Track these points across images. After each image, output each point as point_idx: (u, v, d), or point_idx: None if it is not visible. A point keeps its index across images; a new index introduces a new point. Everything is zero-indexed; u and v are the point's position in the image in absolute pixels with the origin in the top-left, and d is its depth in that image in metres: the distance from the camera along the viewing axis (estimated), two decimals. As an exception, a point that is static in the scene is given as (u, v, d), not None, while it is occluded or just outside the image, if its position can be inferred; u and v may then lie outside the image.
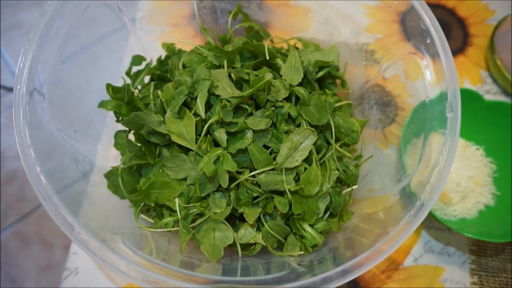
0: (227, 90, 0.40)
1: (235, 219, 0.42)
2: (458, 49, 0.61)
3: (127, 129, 0.44)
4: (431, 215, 0.49)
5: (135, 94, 0.45)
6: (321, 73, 0.47)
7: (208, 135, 0.39)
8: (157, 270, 0.30)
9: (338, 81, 0.50)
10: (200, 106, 0.38)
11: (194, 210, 0.39)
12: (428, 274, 0.47)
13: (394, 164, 0.46)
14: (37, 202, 1.42)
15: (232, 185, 0.39)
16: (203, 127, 0.39)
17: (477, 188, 0.48)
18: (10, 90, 1.53)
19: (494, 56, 0.57)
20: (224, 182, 0.38)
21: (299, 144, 0.40)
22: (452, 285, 0.47)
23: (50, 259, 1.32)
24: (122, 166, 0.41)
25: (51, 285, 1.19)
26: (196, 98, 0.39)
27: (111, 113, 0.46)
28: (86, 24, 0.44)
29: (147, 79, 0.48)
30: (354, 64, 0.51)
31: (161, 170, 0.40)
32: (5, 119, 1.51)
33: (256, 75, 0.40)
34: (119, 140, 0.43)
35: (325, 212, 0.41)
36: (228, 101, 0.39)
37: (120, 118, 0.43)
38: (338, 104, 0.46)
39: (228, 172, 0.38)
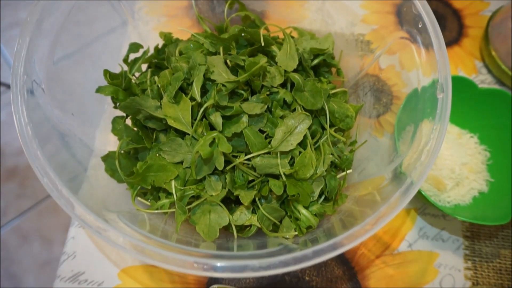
0: (222, 75, 0.40)
1: (230, 203, 0.42)
2: (453, 40, 0.62)
3: (124, 114, 0.44)
4: (426, 201, 0.49)
5: (133, 80, 0.46)
6: (316, 61, 0.48)
7: (204, 119, 0.40)
8: (154, 244, 0.31)
9: (333, 70, 0.51)
10: (196, 90, 0.39)
11: (190, 192, 0.39)
12: (423, 259, 0.47)
13: (389, 150, 0.46)
14: (36, 198, 1.42)
15: (228, 168, 0.40)
16: (199, 111, 0.39)
17: (471, 175, 0.49)
18: (10, 87, 1.54)
19: (489, 46, 0.57)
20: (220, 164, 0.38)
21: (294, 128, 0.40)
22: (446, 270, 0.47)
23: (50, 255, 1.33)
24: (119, 150, 0.41)
25: (51, 280, 1.20)
26: (192, 83, 0.40)
27: (109, 100, 0.46)
28: (84, 15, 0.45)
29: (144, 67, 0.49)
30: (349, 54, 0.52)
31: (157, 154, 0.41)
32: (5, 116, 1.52)
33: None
34: (117, 126, 0.44)
35: (320, 196, 0.42)
36: (223, 85, 0.39)
37: (118, 103, 0.44)
38: (333, 91, 0.47)
39: (224, 155, 0.38)
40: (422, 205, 0.50)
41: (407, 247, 0.48)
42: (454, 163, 0.49)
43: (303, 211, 0.40)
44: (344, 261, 0.47)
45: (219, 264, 0.28)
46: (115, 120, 0.45)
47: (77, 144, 0.41)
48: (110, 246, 0.47)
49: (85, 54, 0.48)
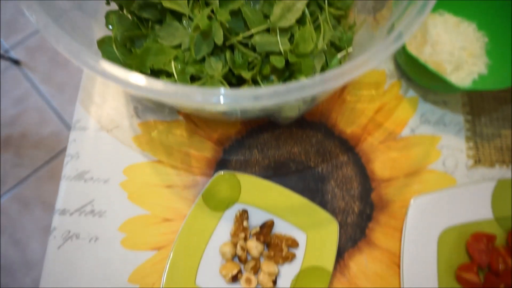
0: (216, -48, 0.39)
1: (231, 86, 0.42)
2: None
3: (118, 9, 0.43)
4: (427, 87, 0.49)
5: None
6: None
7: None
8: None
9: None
10: (190, -34, 0.38)
11: (191, 69, 0.39)
12: (425, 143, 0.48)
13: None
14: (33, 167, 1.42)
15: (227, 45, 0.39)
16: (194, -11, 0.39)
17: (470, 59, 0.49)
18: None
19: None
20: (219, 38, 0.38)
21: (292, 5, 0.40)
22: (448, 151, 0.47)
23: (52, 220, 1.32)
24: (115, 37, 0.40)
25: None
26: (186, -37, 0.39)
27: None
28: None
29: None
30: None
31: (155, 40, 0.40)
32: (-5, 85, 1.49)
33: None
34: (110, 19, 0.43)
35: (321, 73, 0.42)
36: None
37: (110, -5, 0.43)
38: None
39: (223, 35, 0.38)
40: (423, 93, 0.50)
41: (410, 132, 0.48)
42: (453, 47, 0.48)
43: (306, 82, 0.39)
44: (348, 147, 0.47)
45: (224, 91, 0.27)
46: (108, 15, 0.44)
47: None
48: (114, 145, 0.47)
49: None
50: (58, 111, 1.49)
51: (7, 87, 1.49)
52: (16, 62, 1.52)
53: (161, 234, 0.44)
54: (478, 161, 0.47)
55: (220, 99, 0.27)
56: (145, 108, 0.48)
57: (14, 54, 1.53)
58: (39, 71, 1.53)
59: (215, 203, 0.43)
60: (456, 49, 0.48)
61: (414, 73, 0.47)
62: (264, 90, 0.27)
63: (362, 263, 0.43)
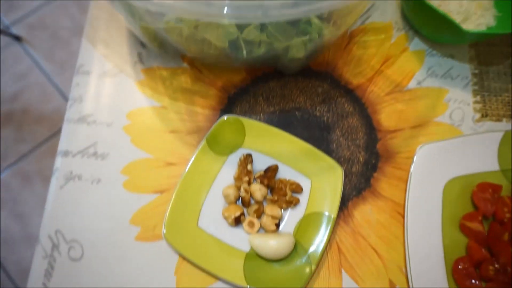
0: None
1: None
2: None
3: None
4: (433, 42, 0.49)
5: None
6: None
7: None
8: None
9: None
10: None
11: None
12: (432, 95, 0.47)
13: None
14: (35, 142, 1.41)
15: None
16: None
17: (479, 11, 0.48)
18: (0, 32, 1.49)
19: None
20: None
21: None
22: (455, 104, 0.47)
23: (53, 192, 1.31)
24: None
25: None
26: None
27: None
28: None
29: None
30: None
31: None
32: (-3, 61, 1.49)
33: None
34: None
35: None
36: None
37: None
38: None
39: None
40: (431, 46, 0.49)
41: (416, 84, 0.48)
42: (462, -1, 0.48)
43: (315, 20, 0.39)
44: (354, 98, 0.47)
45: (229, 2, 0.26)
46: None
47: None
48: (117, 90, 0.46)
49: None
50: (60, 87, 1.49)
51: (9, 63, 1.49)
52: (17, 39, 1.51)
53: (164, 178, 0.43)
54: (485, 115, 0.47)
55: (224, 10, 0.26)
56: (149, 54, 0.48)
57: (15, 31, 1.52)
58: (40, 48, 1.52)
59: (219, 147, 0.43)
60: (465, 0, 0.48)
61: (421, 22, 0.46)
62: (271, 2, 0.26)
63: (366, 212, 0.43)
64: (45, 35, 1.55)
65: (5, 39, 1.49)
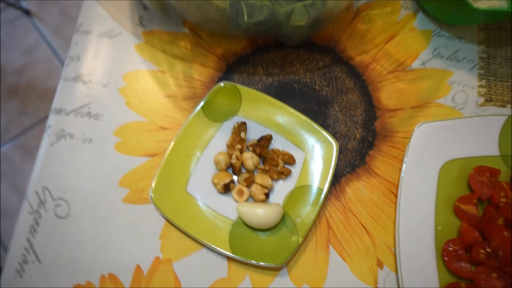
0: None
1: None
2: None
3: None
4: (441, 23, 0.47)
5: None
6: None
7: None
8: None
9: None
10: None
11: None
12: (436, 76, 0.46)
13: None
14: (38, 117, 1.42)
15: None
16: None
17: (491, -6, 0.47)
18: (10, 4, 1.49)
19: None
20: None
21: None
22: (459, 87, 0.46)
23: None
24: None
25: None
26: None
27: None
28: None
29: None
30: None
31: None
32: (4, 35, 1.49)
33: None
34: None
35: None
36: None
37: None
38: None
39: None
40: (438, 27, 0.48)
41: (420, 64, 0.46)
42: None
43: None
44: (356, 74, 0.46)
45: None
46: None
47: None
48: (115, 51, 0.45)
49: None
50: (67, 63, 1.48)
51: (17, 37, 1.49)
52: (26, 12, 1.51)
53: (156, 142, 0.43)
54: (489, 100, 0.45)
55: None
56: (151, 17, 0.47)
57: (24, 5, 1.52)
58: (49, 23, 1.52)
59: (214, 114, 0.42)
60: (478, -18, 0.46)
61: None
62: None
63: (358, 189, 0.42)
64: (55, 10, 1.55)
65: (14, 12, 1.49)
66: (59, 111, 0.43)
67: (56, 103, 0.44)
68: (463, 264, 0.38)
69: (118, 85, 0.44)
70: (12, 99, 1.47)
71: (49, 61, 1.49)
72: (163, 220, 0.41)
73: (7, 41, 1.50)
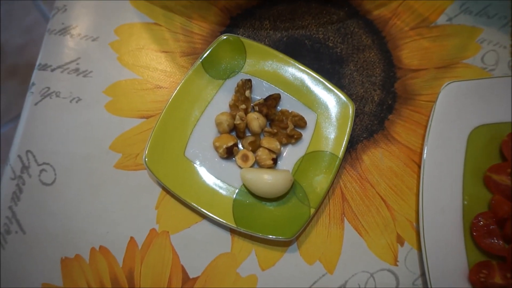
0: None
1: None
2: None
3: None
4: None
5: None
6: None
7: None
8: None
9: None
10: None
11: None
12: (463, 34, 0.41)
13: None
14: (38, 97, 1.38)
15: None
16: None
17: None
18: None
19: None
20: None
21: None
22: (490, 46, 0.41)
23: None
24: None
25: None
26: None
27: None
28: None
29: None
30: None
31: None
32: (4, 14, 1.45)
33: None
34: None
35: None
36: None
37: None
38: None
39: None
40: (466, -20, 0.43)
41: (447, 20, 0.42)
42: None
43: None
44: (374, 30, 0.41)
45: None
46: None
47: None
48: (106, 1, 0.41)
49: None
50: (66, 43, 1.44)
51: (17, 16, 1.45)
52: (26, -12, 1.46)
53: (152, 102, 0.38)
54: (523, 60, 0.41)
55: None
56: (146, -35, 0.42)
57: (25, -18, 1.47)
58: (50, 1, 1.47)
59: (216, 70, 0.38)
60: None
61: None
62: None
63: (376, 157, 0.38)
64: (55, -13, 1.50)
65: (13, -11, 1.45)
66: (44, 67, 0.39)
67: (41, 59, 0.39)
68: (495, 240, 0.34)
69: (110, 39, 0.40)
70: (12, 79, 1.43)
71: (48, 40, 1.45)
72: (159, 189, 0.37)
73: (7, 20, 1.46)
